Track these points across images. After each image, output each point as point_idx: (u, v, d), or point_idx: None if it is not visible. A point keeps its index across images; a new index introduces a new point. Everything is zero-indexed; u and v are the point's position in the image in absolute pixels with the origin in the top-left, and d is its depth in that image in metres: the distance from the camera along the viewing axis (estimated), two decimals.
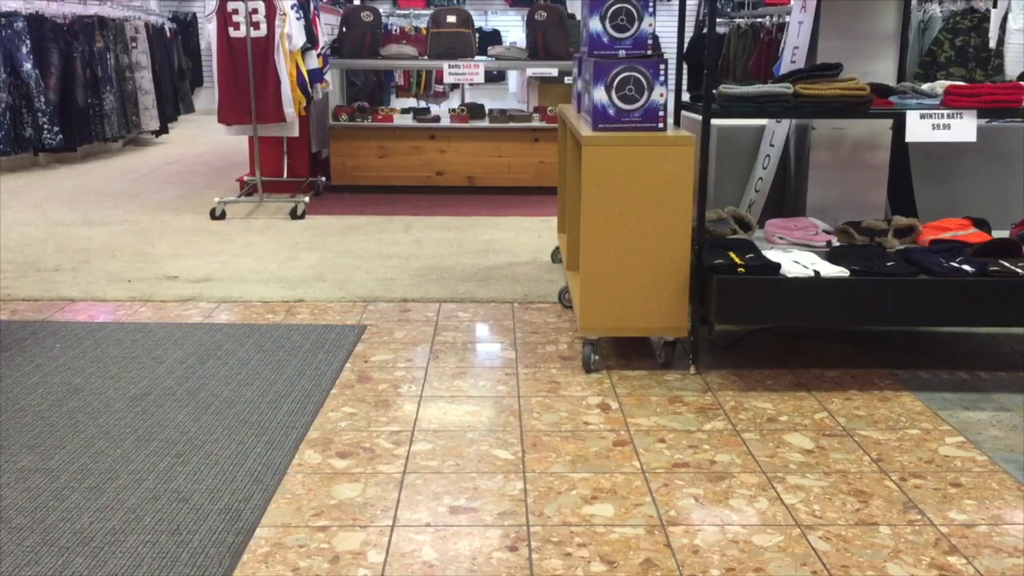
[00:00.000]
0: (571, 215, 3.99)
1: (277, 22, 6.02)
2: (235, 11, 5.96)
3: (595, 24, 3.25)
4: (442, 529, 2.19)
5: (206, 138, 10.19)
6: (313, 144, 7.03)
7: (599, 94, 3.12)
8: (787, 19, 4.54)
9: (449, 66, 6.68)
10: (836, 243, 3.40)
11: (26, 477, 2.42)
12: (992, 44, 5.77)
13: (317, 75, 6.41)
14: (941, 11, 6.65)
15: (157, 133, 10.10)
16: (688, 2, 4.37)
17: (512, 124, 6.97)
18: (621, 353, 3.40)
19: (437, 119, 7.06)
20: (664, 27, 5.92)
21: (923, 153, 3.85)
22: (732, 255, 3.15)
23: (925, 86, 3.40)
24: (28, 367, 3.22)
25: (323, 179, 6.97)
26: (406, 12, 13.03)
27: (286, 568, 2.03)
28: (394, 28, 8.47)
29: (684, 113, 3.63)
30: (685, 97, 3.70)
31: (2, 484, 2.38)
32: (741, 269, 3.04)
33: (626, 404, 2.95)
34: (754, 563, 2.06)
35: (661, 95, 3.13)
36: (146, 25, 9.75)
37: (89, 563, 2.03)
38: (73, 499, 2.31)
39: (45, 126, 7.76)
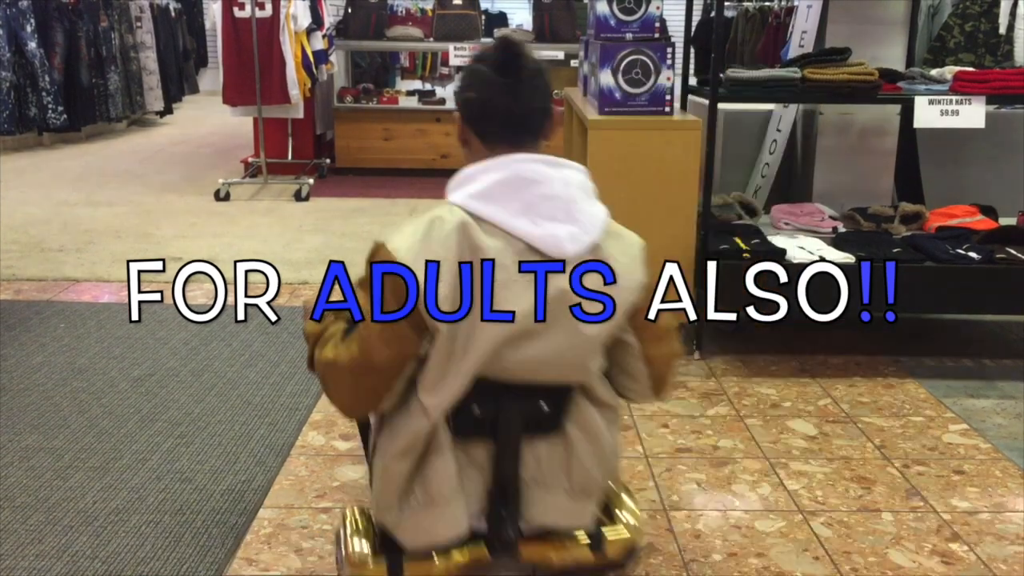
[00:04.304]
0: None
1: (282, 2, 5.99)
2: None
3: (602, 6, 3.22)
4: None
5: (210, 119, 10.15)
6: (318, 126, 7.01)
7: (605, 77, 3.10)
8: (796, 3, 4.50)
9: (455, 48, 6.64)
10: (842, 229, 3.38)
11: (30, 456, 2.43)
12: (1002, 30, 5.71)
13: (322, 56, 6.39)
14: None
15: (161, 114, 10.07)
16: None
17: None
18: None
19: (443, 101, 7.03)
20: (672, 10, 5.87)
21: (931, 139, 3.82)
22: (737, 240, 3.14)
23: (934, 71, 3.37)
24: (32, 347, 3.23)
25: (328, 161, 6.95)
26: None
27: (289, 549, 2.04)
28: (400, 9, 8.43)
29: (691, 97, 3.61)
30: (692, 81, 3.67)
31: (6, 463, 2.39)
32: (746, 255, 3.03)
33: None
34: (756, 548, 2.06)
35: (668, 79, 3.11)
36: (151, 5, 9.70)
37: (93, 542, 2.04)
38: (77, 478, 2.31)
39: (49, 106, 7.73)
